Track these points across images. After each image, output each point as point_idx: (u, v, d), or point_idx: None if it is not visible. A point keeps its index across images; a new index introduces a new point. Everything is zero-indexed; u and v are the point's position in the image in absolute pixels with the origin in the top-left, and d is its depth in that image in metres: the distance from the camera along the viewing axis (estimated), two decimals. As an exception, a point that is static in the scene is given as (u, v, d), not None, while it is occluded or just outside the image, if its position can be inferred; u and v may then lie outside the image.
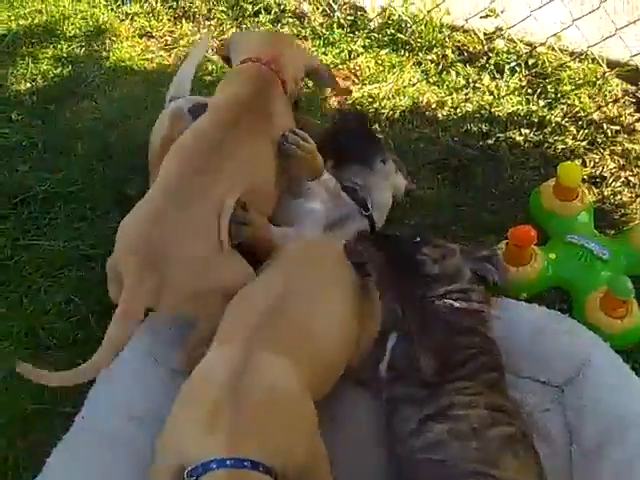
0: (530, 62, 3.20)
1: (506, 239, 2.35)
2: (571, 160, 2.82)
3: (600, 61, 3.13)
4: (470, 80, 3.18)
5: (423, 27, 3.33)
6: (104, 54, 3.35)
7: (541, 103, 3.06)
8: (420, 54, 3.28)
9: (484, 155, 2.87)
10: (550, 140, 2.92)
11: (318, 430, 1.70)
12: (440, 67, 3.24)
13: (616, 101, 3.05)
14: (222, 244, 2.01)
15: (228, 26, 3.50)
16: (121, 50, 3.37)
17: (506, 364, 1.98)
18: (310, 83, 2.85)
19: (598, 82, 3.10)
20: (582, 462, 1.93)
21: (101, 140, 2.88)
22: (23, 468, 2.01)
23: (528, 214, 2.60)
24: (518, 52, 3.23)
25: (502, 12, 3.29)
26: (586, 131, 2.93)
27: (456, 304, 1.96)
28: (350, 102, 3.09)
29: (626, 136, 2.93)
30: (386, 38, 3.36)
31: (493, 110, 3.04)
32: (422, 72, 3.23)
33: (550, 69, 3.16)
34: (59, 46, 3.38)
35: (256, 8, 3.52)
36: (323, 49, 3.35)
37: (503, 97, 3.09)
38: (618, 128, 2.95)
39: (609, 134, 2.93)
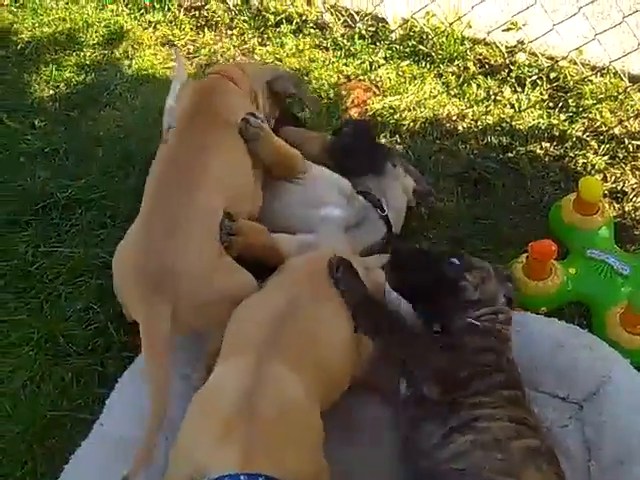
0: (552, 76, 3.19)
1: (525, 252, 2.35)
2: (592, 175, 2.81)
3: (622, 75, 3.12)
4: (491, 93, 3.17)
5: (444, 39, 3.33)
6: (126, 62, 3.38)
7: (562, 117, 3.05)
8: (441, 66, 3.29)
9: (504, 168, 2.86)
10: (571, 154, 2.91)
11: (322, 444, 1.70)
12: (461, 79, 3.24)
13: (637, 116, 3.03)
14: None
15: (250, 35, 3.52)
16: (143, 58, 3.40)
17: (525, 378, 1.97)
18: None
19: (620, 97, 3.09)
20: (600, 479, 1.91)
21: (122, 147, 2.90)
22: (41, 474, 2.01)
23: (548, 228, 2.59)
24: (539, 65, 3.22)
25: (524, 25, 3.29)
26: (607, 146, 2.92)
27: (480, 325, 1.95)
28: (371, 113, 3.10)
29: (647, 151, 2.92)
30: (407, 50, 3.37)
31: (514, 123, 3.04)
32: (443, 84, 3.23)
33: (572, 83, 3.16)
34: (82, 54, 3.42)
35: (278, 18, 3.54)
36: (344, 60, 3.36)
37: (524, 110, 3.09)
38: (639, 143, 2.93)
39: (630, 149, 2.91)
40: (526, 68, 3.24)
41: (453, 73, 3.26)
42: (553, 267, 2.35)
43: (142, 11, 3.64)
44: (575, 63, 3.20)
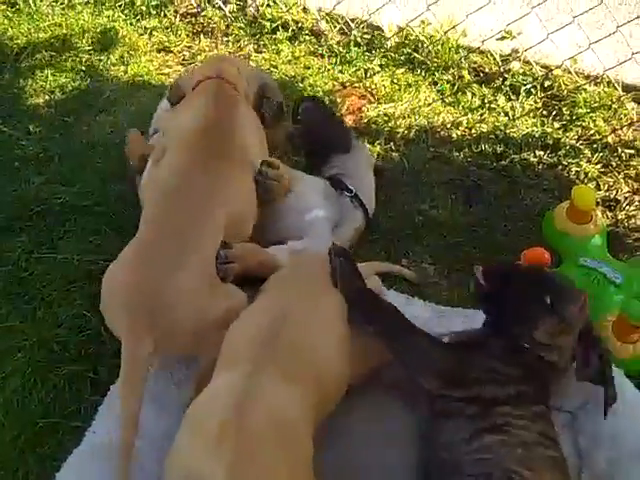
0: (546, 84, 3.21)
1: (519, 260, 2.35)
2: (585, 183, 2.83)
3: (616, 85, 3.14)
4: (485, 101, 3.19)
5: (439, 47, 3.34)
6: (122, 68, 3.38)
7: (556, 125, 3.07)
8: (436, 74, 3.30)
9: (498, 176, 2.87)
10: (564, 162, 2.92)
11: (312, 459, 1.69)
12: (456, 87, 3.25)
13: (631, 124, 3.05)
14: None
15: (246, 42, 3.52)
16: (139, 64, 3.40)
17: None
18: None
19: (613, 105, 3.10)
20: (593, 488, 1.92)
21: (117, 154, 2.89)
22: (32, 481, 2.01)
23: (541, 236, 2.60)
24: (534, 74, 3.24)
25: (519, 34, 3.32)
26: (600, 154, 2.93)
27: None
28: (366, 120, 3.10)
29: (641, 160, 2.93)
30: (402, 57, 3.38)
31: (508, 131, 3.05)
32: (438, 92, 3.24)
33: (566, 92, 3.17)
34: (78, 59, 3.41)
35: (274, 25, 3.55)
36: (340, 67, 3.37)
37: (518, 118, 3.10)
38: (633, 152, 2.94)
39: (623, 157, 2.93)
40: (520, 76, 3.25)
41: (448, 81, 3.28)
42: (546, 275, 2.36)
43: (138, 17, 3.64)
44: (569, 72, 3.22)
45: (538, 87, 3.20)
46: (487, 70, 3.31)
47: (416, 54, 3.35)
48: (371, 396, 2.02)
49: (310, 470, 1.67)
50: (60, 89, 3.27)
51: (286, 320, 1.84)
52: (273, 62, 3.41)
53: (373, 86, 3.27)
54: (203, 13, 3.64)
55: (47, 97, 3.22)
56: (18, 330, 2.35)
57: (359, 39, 3.47)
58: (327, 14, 3.55)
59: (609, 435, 1.97)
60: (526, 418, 1.81)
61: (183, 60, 3.47)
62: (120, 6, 3.68)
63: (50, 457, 2.01)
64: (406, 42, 3.42)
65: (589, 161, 2.92)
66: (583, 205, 2.48)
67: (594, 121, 3.06)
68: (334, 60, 3.41)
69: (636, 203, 2.77)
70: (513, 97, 3.19)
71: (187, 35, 3.59)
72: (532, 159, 2.94)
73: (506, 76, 3.25)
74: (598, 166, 2.90)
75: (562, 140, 3.00)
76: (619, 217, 2.72)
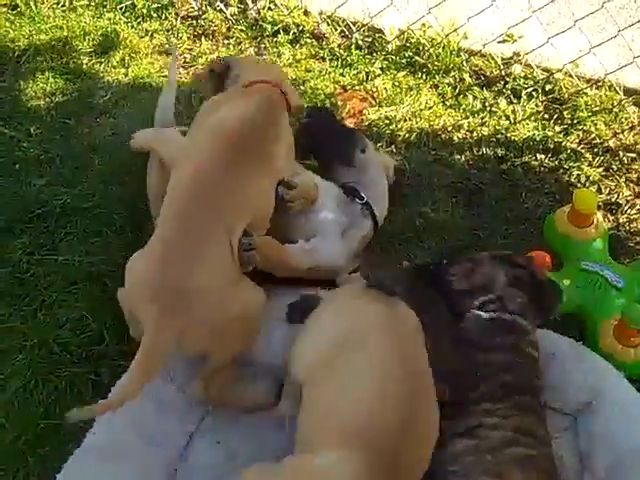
0: (547, 88, 3.21)
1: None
2: (586, 186, 2.83)
3: (617, 88, 3.14)
4: (487, 104, 3.18)
5: (441, 50, 3.34)
6: (123, 70, 3.37)
7: (557, 129, 3.07)
8: (437, 77, 3.30)
9: (499, 179, 2.87)
10: (566, 166, 2.92)
11: None
12: (457, 90, 3.25)
13: (632, 128, 3.05)
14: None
15: (247, 45, 3.52)
16: (140, 67, 3.39)
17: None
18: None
19: (614, 109, 3.10)
20: (594, 490, 1.92)
21: (118, 156, 2.89)
22: (33, 482, 2.01)
23: (542, 239, 2.60)
24: (535, 78, 3.24)
25: (520, 38, 3.31)
26: (602, 158, 2.94)
27: (484, 315, 1.95)
28: (367, 123, 3.10)
29: (642, 164, 2.93)
30: (404, 60, 3.37)
31: (509, 135, 3.05)
32: (439, 95, 3.24)
33: (567, 95, 3.17)
34: (79, 61, 3.41)
35: (275, 28, 3.54)
36: (341, 70, 3.36)
37: (519, 122, 3.10)
38: (634, 155, 2.95)
39: (625, 161, 2.93)
40: (522, 80, 3.25)
41: (449, 84, 3.27)
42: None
43: (139, 20, 3.63)
44: (570, 75, 3.22)
45: (539, 90, 3.20)
46: (488, 73, 3.31)
47: (417, 57, 3.35)
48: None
49: None
50: (61, 91, 3.27)
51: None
52: (274, 65, 3.40)
53: (374, 89, 3.26)
54: (204, 16, 3.63)
55: (48, 99, 3.22)
56: (19, 331, 2.35)
57: (360, 42, 3.46)
58: (328, 17, 3.55)
59: (609, 438, 1.98)
60: (502, 415, 1.80)
61: (184, 62, 3.47)
62: (121, 9, 3.67)
63: (51, 458, 2.02)
64: (407, 45, 3.41)
65: (590, 165, 2.92)
66: (584, 208, 2.48)
67: (595, 125, 3.06)
68: (335, 63, 3.40)
69: (637, 207, 2.77)
70: (514, 100, 3.19)
71: (188, 38, 3.58)
72: (533, 162, 2.94)
73: (507, 79, 3.25)
74: (599, 170, 2.90)
75: (563, 144, 3.00)
76: (620, 220, 2.73)
